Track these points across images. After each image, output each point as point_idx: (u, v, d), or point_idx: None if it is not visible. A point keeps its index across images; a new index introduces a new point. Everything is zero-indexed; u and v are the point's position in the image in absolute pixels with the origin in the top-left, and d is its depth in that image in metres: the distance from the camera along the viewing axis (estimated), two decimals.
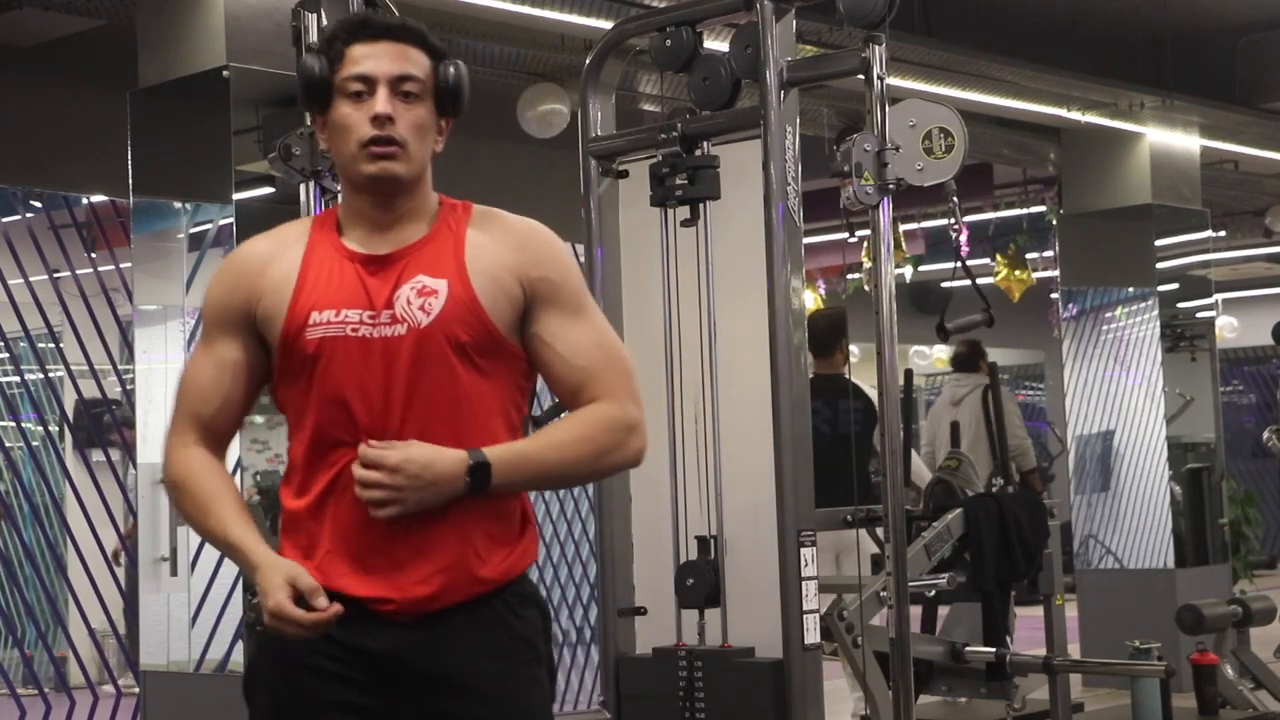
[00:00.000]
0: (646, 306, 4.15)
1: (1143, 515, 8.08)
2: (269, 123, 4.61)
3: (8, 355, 7.38)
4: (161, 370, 4.83)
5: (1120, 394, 8.20)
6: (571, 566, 7.96)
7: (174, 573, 4.72)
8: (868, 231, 3.90)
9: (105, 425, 7.62)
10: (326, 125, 2.37)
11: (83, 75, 6.57)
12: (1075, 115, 7.86)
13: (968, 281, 4.55)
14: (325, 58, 2.35)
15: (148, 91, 4.91)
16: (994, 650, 5.09)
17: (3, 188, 6.95)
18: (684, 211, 4.04)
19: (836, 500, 4.62)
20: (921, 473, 6.23)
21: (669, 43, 4.14)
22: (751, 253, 3.89)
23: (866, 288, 10.01)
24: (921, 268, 12.01)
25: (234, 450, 4.59)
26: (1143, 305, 8.18)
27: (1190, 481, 8.14)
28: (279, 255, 2.37)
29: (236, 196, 4.62)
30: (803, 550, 3.77)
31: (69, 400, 7.38)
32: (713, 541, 3.99)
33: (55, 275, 6.39)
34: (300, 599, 2.20)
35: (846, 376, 6.22)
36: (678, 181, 4.01)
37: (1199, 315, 8.47)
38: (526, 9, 5.77)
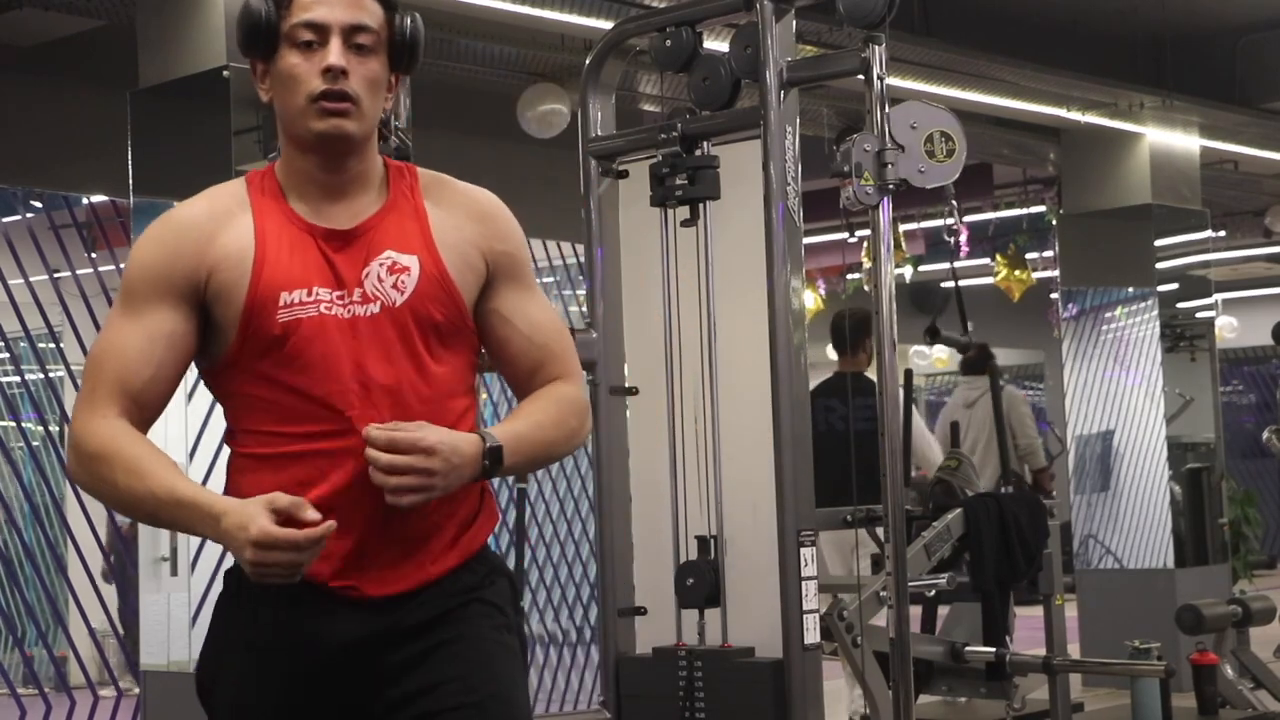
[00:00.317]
0: (646, 306, 4.15)
1: (1142, 515, 8.08)
2: (269, 123, 4.58)
3: (8, 355, 7.39)
4: None
5: (1120, 394, 8.20)
6: (571, 566, 7.97)
7: (174, 573, 4.72)
8: (868, 231, 3.90)
9: None
10: (269, 75, 2.20)
11: (83, 75, 6.57)
12: (1075, 115, 7.86)
13: (965, 283, 4.55)
14: (272, 1, 2.17)
15: (148, 91, 4.91)
16: (994, 650, 5.09)
17: (3, 188, 6.96)
18: (684, 211, 4.04)
19: (847, 498, 4.63)
20: (933, 458, 6.29)
21: (669, 43, 4.14)
22: (751, 253, 3.89)
23: (866, 288, 10.00)
24: (921, 268, 12.01)
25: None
26: (1142, 305, 8.18)
27: (1190, 481, 8.14)
28: (226, 223, 2.19)
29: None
30: (803, 550, 3.76)
31: (69, 400, 7.37)
32: (713, 541, 3.99)
33: (55, 275, 6.39)
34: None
35: (869, 375, 6.33)
36: (678, 181, 4.01)
37: (1199, 315, 8.48)
38: (526, 9, 5.77)
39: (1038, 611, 5.43)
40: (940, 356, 15.34)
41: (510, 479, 5.62)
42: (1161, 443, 8.03)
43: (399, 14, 2.23)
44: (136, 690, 6.23)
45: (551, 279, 7.79)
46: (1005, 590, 5.22)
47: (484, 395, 7.51)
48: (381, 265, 2.18)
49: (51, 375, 7.60)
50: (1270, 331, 9.23)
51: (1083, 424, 8.29)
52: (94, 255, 7.05)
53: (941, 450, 6.65)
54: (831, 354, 13.29)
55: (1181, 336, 8.29)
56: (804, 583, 3.76)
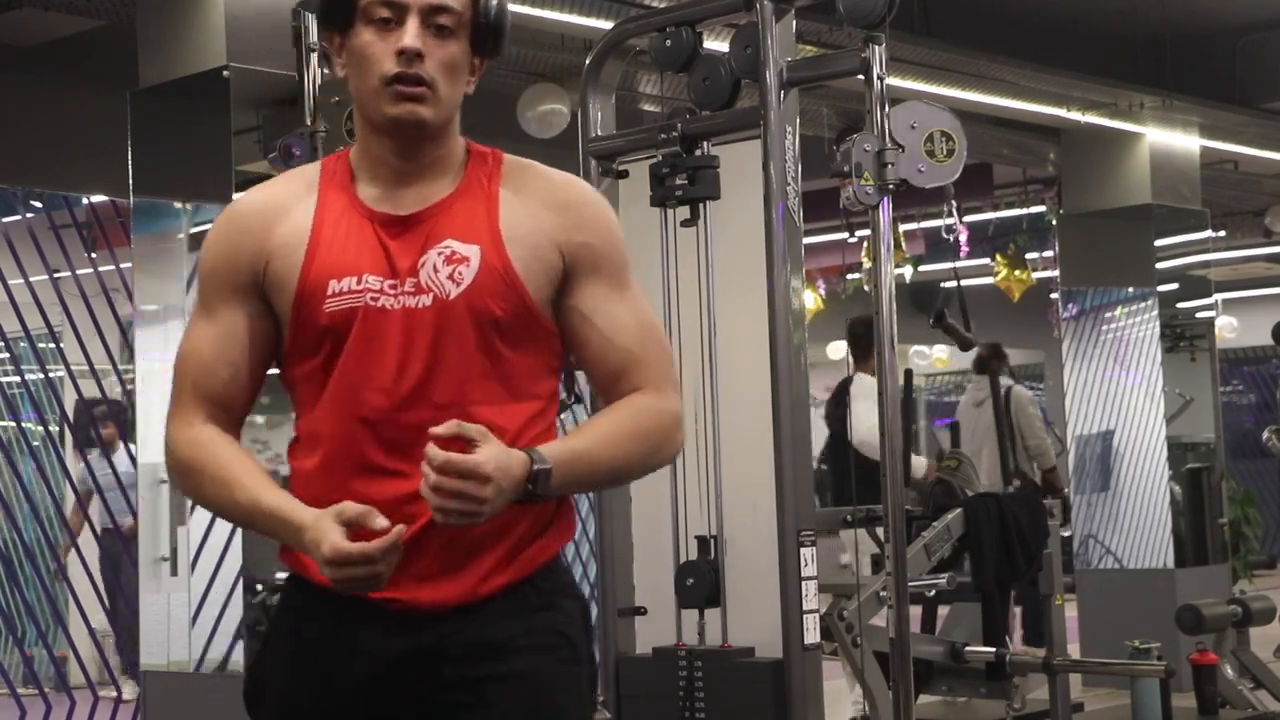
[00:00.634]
0: None
1: (1142, 515, 8.07)
2: (269, 123, 4.61)
3: (8, 355, 7.39)
4: (161, 370, 4.82)
5: (1120, 394, 8.20)
6: (571, 566, 7.97)
7: (174, 573, 4.72)
8: (868, 231, 3.90)
9: (100, 416, 7.63)
10: (344, 50, 2.08)
11: (83, 75, 6.57)
12: (1075, 115, 7.86)
13: (967, 283, 4.56)
14: None
15: (148, 91, 4.91)
16: (994, 650, 5.09)
17: (3, 188, 6.96)
18: (684, 211, 4.04)
19: (869, 499, 4.66)
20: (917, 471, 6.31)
21: (669, 43, 4.14)
22: (751, 253, 3.89)
23: (866, 288, 10.01)
24: (921, 268, 12.01)
25: None
26: (1142, 305, 8.18)
27: (1190, 481, 8.14)
28: (287, 211, 2.08)
29: (236, 196, 4.62)
30: (803, 550, 3.77)
31: (69, 400, 7.38)
32: (713, 541, 3.99)
33: (55, 275, 6.39)
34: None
35: None
36: (678, 181, 4.01)
37: (1199, 315, 8.47)
38: (526, 9, 5.77)
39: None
40: (940, 356, 15.33)
41: None
42: (1161, 443, 8.02)
43: None
44: (121, 694, 6.24)
45: None
46: (1005, 590, 5.23)
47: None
48: (440, 255, 2.04)
49: (51, 375, 7.60)
50: (1270, 331, 9.24)
51: (1083, 424, 8.29)
52: (94, 255, 7.05)
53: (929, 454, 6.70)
54: (831, 354, 13.34)
55: (1181, 336, 8.29)
56: (804, 583, 3.76)
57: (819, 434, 11.89)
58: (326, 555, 1.90)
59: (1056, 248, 8.80)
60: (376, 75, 2.03)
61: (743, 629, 3.94)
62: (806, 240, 4.07)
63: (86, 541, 6.33)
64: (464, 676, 2.03)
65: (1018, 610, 7.89)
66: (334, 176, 2.11)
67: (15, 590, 7.67)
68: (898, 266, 9.89)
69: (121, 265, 6.17)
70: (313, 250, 2.05)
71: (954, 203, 4.04)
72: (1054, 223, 9.32)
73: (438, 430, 1.90)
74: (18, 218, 7.15)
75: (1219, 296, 9.63)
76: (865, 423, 5.45)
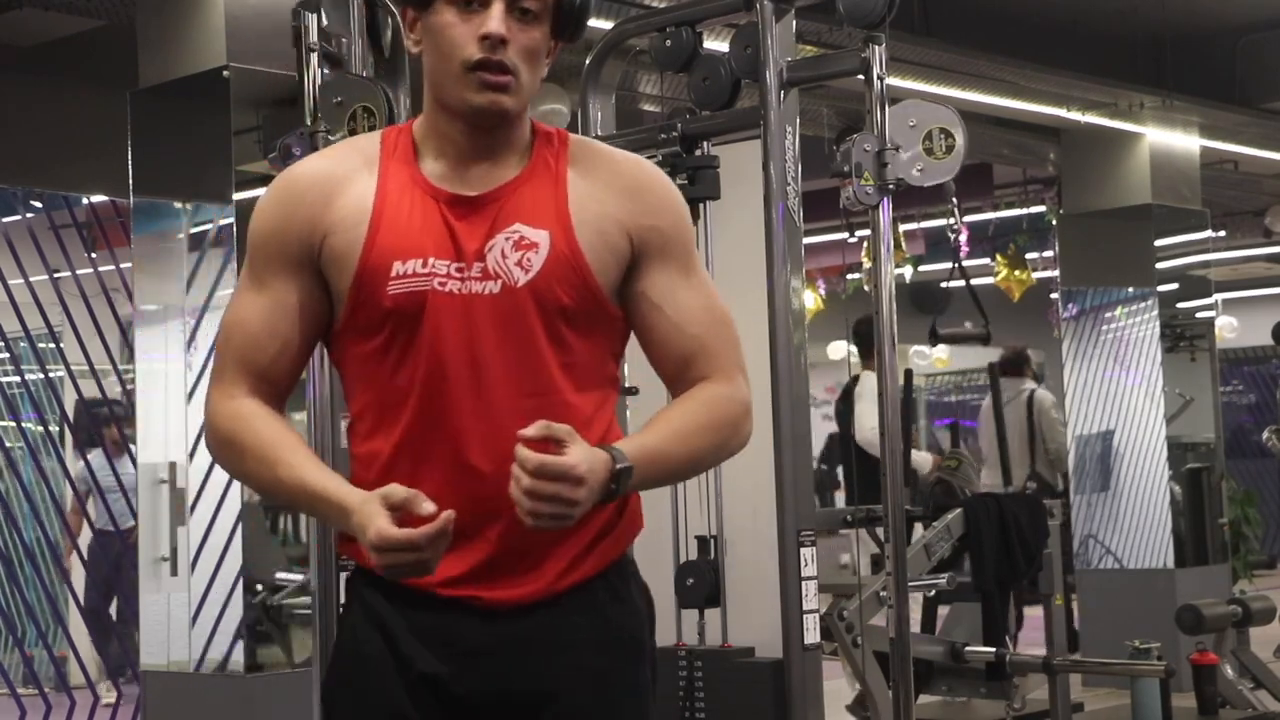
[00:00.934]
0: None
1: (1143, 515, 8.08)
2: (269, 123, 4.61)
3: (8, 355, 7.39)
4: (161, 370, 4.82)
5: (1120, 394, 8.20)
6: None
7: (174, 573, 4.72)
8: (868, 231, 3.90)
9: (102, 418, 7.63)
10: (420, 26, 2.00)
11: (83, 75, 6.57)
12: (1075, 115, 7.86)
13: (965, 284, 4.57)
14: None
15: (148, 91, 4.91)
16: (994, 650, 5.09)
17: (3, 188, 6.96)
18: None
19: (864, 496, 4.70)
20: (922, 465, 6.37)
21: (669, 43, 4.14)
22: (751, 253, 3.89)
23: (866, 288, 10.02)
24: (921, 268, 12.01)
25: None
26: (1142, 305, 8.18)
27: (1190, 481, 8.14)
28: (346, 183, 2.01)
29: (236, 196, 4.62)
30: (803, 550, 3.76)
31: (69, 400, 7.39)
32: (713, 541, 3.99)
33: (55, 275, 6.39)
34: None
35: None
36: (678, 181, 4.01)
37: (1199, 315, 8.47)
38: None
39: (1038, 611, 5.43)
40: (940, 356, 15.33)
41: None
42: (1161, 443, 8.02)
43: None
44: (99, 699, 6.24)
45: None
46: (1005, 590, 5.23)
47: None
48: (508, 239, 1.97)
49: (51, 375, 7.60)
50: (1270, 331, 9.24)
51: (1083, 424, 8.29)
52: (94, 255, 7.06)
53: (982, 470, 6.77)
54: (832, 354, 13.34)
55: (1181, 336, 8.29)
56: (804, 583, 3.76)
57: (819, 434, 11.93)
58: (372, 541, 1.85)
59: (1056, 248, 8.80)
60: (458, 59, 1.96)
61: (743, 629, 3.94)
62: (806, 240, 4.07)
63: (87, 542, 6.33)
64: (538, 673, 2.00)
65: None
66: (395, 150, 2.04)
67: (15, 590, 7.68)
68: (898, 266, 9.88)
69: (121, 265, 6.18)
70: (375, 227, 1.98)
71: (955, 201, 4.03)
72: (1054, 223, 9.32)
73: (527, 432, 1.84)
74: (18, 218, 7.16)
75: (1219, 296, 9.63)
76: (869, 421, 5.46)
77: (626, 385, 4.21)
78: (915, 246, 11.16)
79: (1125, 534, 8.12)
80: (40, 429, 8.50)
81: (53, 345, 6.91)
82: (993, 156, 8.83)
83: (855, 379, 6.70)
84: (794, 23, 3.97)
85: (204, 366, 4.67)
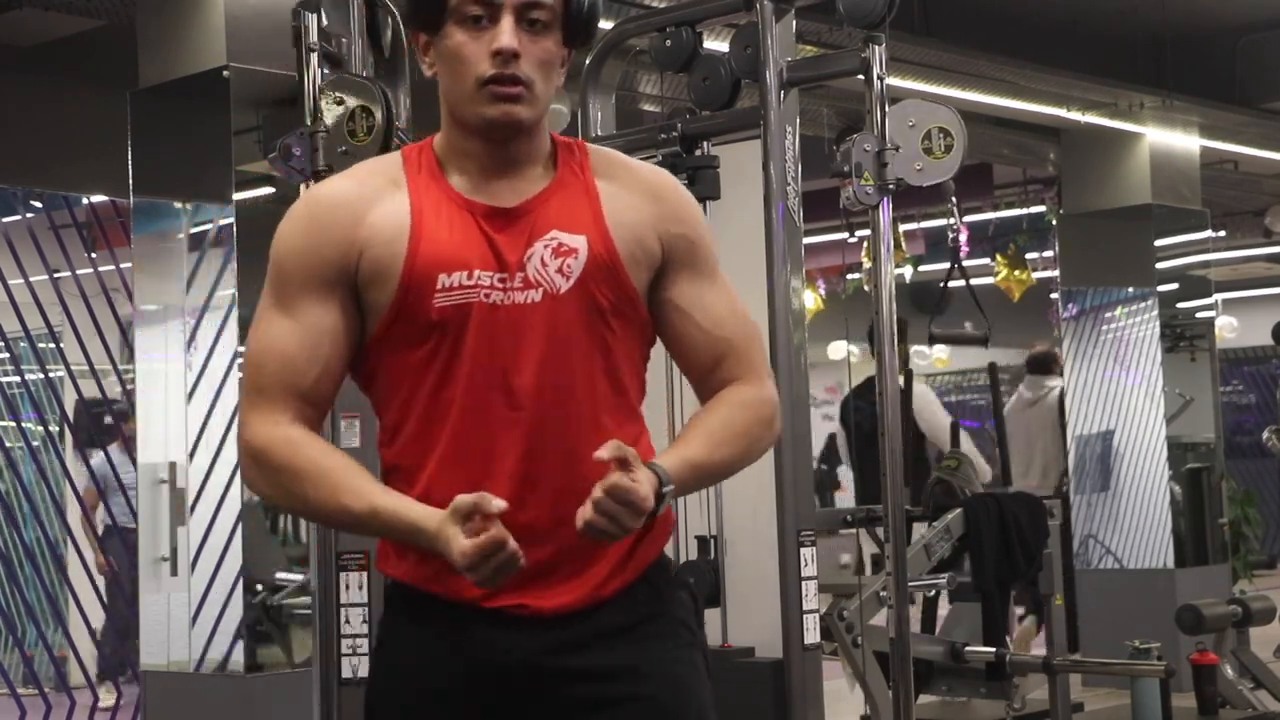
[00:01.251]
0: None
1: (1143, 515, 8.08)
2: (269, 123, 4.61)
3: (8, 355, 7.40)
4: (161, 370, 4.82)
5: (1120, 394, 8.20)
6: None
7: (174, 573, 4.72)
8: (868, 231, 3.90)
9: (105, 426, 7.63)
10: (432, 50, 2.02)
11: (83, 75, 6.57)
12: (1075, 115, 7.86)
13: (964, 284, 4.57)
14: None
15: (148, 91, 4.91)
16: (994, 650, 5.09)
17: (3, 188, 6.96)
18: None
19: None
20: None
21: (669, 43, 4.14)
22: (751, 253, 3.89)
23: (866, 288, 10.01)
24: (921, 268, 12.01)
25: (233, 449, 4.58)
26: (1142, 305, 8.18)
27: (1190, 481, 8.14)
28: (375, 200, 2.01)
29: (236, 196, 4.62)
30: (802, 550, 3.77)
31: (69, 400, 7.39)
32: (713, 541, 3.99)
33: (55, 275, 6.40)
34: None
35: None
36: None
37: (1199, 315, 8.47)
38: None
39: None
40: (940, 356, 15.32)
41: None
42: (1161, 443, 8.02)
43: None
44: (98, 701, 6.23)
45: None
46: (1005, 590, 5.23)
47: None
48: (546, 247, 2.00)
49: (51, 375, 7.60)
50: (1270, 331, 9.24)
51: (1083, 424, 8.29)
52: (94, 255, 7.06)
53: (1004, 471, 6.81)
54: (832, 354, 13.33)
55: (1181, 336, 8.28)
56: (804, 583, 3.76)
57: (819, 434, 11.91)
58: (459, 563, 1.86)
59: (1056, 248, 8.80)
60: (471, 77, 1.98)
61: (743, 629, 3.94)
62: (806, 240, 4.07)
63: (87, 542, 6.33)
64: (588, 677, 2.01)
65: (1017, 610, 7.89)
66: (421, 167, 2.05)
67: (15, 590, 7.68)
68: (898, 266, 9.89)
69: (121, 265, 6.18)
70: (416, 240, 1.99)
71: (955, 200, 4.03)
72: (1054, 223, 9.32)
73: (602, 454, 1.87)
74: (18, 218, 7.16)
75: (1219, 296, 9.63)
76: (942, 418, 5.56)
77: None
78: (915, 246, 11.16)
79: (1125, 534, 8.12)
80: (40, 429, 8.50)
81: (53, 345, 6.91)
82: (993, 156, 8.83)
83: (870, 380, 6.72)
84: (794, 23, 3.97)
85: (204, 366, 4.67)
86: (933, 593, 5.21)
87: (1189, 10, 7.83)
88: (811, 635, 3.78)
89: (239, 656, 4.56)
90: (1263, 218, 11.12)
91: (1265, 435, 9.67)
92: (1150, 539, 8.04)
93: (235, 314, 4.59)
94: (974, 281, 4.93)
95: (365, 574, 3.55)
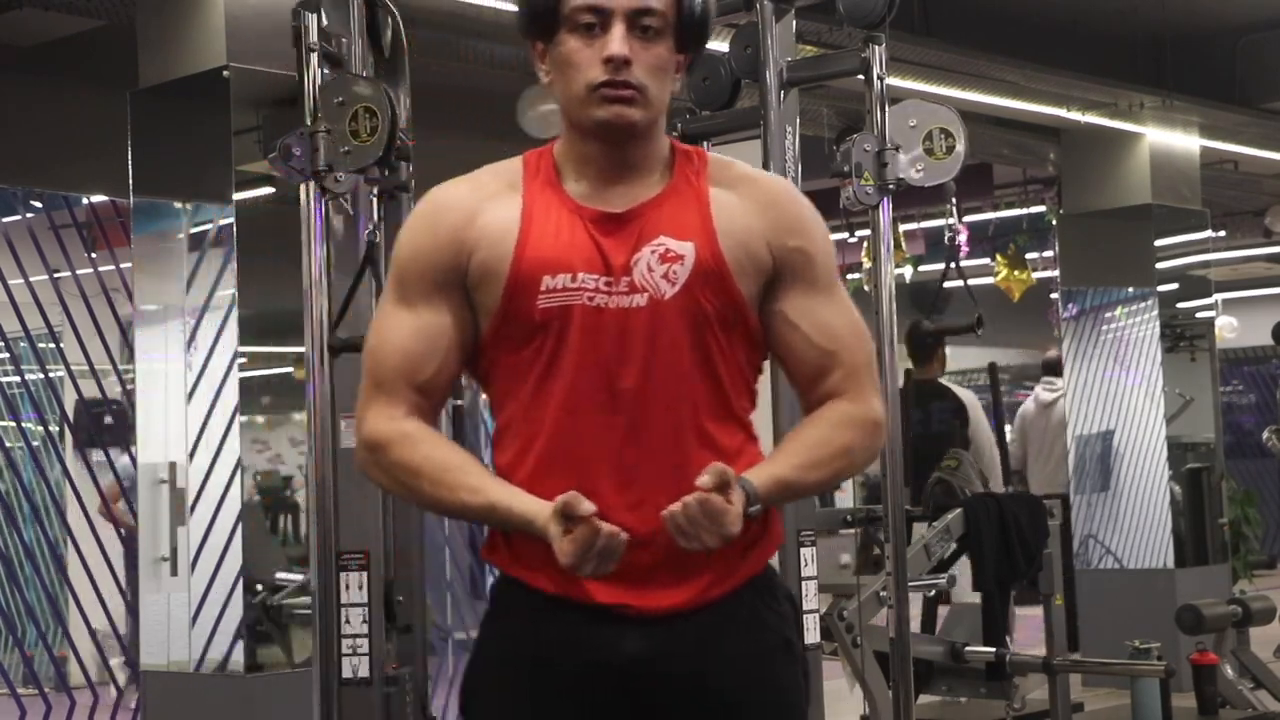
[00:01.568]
0: None
1: (1143, 515, 8.08)
2: (269, 123, 4.61)
3: (8, 355, 7.40)
4: (161, 370, 4.82)
5: (1120, 394, 8.20)
6: None
7: (174, 573, 4.72)
8: (868, 231, 3.90)
9: (106, 426, 7.63)
10: (548, 58, 2.08)
11: (83, 75, 6.57)
12: (1075, 115, 7.85)
13: (960, 282, 4.57)
14: None
15: (148, 91, 4.91)
16: (994, 650, 5.09)
17: (3, 188, 6.96)
18: None
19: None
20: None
21: None
22: None
23: (866, 288, 10.01)
24: (921, 268, 12.00)
25: (233, 449, 4.58)
26: (1142, 305, 8.18)
27: (1190, 481, 8.14)
28: (489, 202, 2.06)
29: (236, 196, 4.62)
30: (802, 550, 3.76)
31: (69, 400, 7.38)
32: None
33: (55, 275, 6.39)
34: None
35: (941, 382, 6.94)
36: None
37: (1199, 315, 8.47)
38: None
39: (1038, 611, 5.43)
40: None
41: None
42: (1161, 443, 8.02)
43: None
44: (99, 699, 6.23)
45: None
46: (1005, 590, 5.23)
47: None
48: (653, 253, 2.02)
49: (51, 375, 7.60)
50: (1270, 331, 9.24)
51: (1083, 424, 8.29)
52: (94, 255, 7.06)
53: (1014, 468, 6.84)
54: None
55: (1181, 336, 8.29)
56: (804, 583, 3.76)
57: None
58: (563, 562, 1.93)
59: (1056, 248, 8.80)
60: (584, 83, 2.02)
61: None
62: None
63: (88, 541, 6.32)
64: (690, 673, 2.04)
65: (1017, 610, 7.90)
66: (538, 172, 2.10)
67: (15, 590, 7.68)
68: (898, 266, 9.88)
69: (121, 265, 6.18)
70: (523, 242, 2.03)
71: (955, 201, 4.03)
72: (1054, 223, 9.32)
73: (704, 481, 1.91)
74: (18, 218, 7.16)
75: (1219, 296, 9.63)
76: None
77: None
78: (915, 246, 11.15)
79: (1125, 534, 8.12)
80: (40, 429, 8.50)
81: (53, 345, 6.90)
82: (993, 156, 8.83)
83: (928, 383, 6.75)
84: (794, 23, 3.97)
85: (204, 366, 4.66)
86: (932, 593, 5.21)
87: (1189, 10, 7.83)
88: (811, 635, 3.78)
89: (239, 656, 4.56)
90: (1263, 218, 11.12)
91: (1265, 435, 9.67)
92: (1150, 539, 8.04)
93: (235, 314, 4.59)
94: (974, 282, 4.93)
95: (365, 574, 3.55)
